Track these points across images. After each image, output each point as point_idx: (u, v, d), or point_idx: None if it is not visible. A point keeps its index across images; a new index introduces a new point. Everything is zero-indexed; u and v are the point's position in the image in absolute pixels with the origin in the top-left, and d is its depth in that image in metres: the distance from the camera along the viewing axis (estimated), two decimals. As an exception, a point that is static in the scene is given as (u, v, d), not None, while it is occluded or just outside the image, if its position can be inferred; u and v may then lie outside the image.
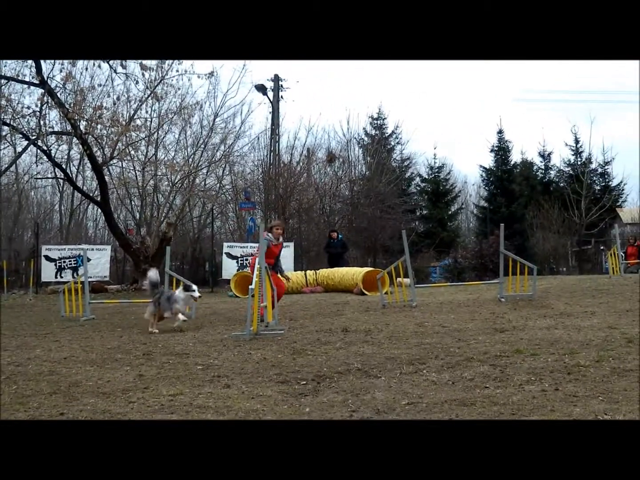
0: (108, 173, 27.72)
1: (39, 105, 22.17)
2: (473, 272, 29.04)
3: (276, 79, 34.81)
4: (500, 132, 42.86)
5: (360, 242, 33.09)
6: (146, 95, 24.44)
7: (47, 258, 25.21)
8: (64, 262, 25.26)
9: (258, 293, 9.86)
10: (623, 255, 22.77)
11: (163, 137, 31.03)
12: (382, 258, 32.30)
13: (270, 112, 34.98)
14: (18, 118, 22.12)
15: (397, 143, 42.64)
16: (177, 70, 23.47)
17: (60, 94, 22.15)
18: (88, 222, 42.31)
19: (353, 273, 18.69)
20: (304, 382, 6.30)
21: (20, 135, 23.29)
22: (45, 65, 21.66)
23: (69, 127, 22.62)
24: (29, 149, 25.68)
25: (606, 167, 41.44)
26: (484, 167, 43.08)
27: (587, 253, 35.43)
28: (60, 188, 38.18)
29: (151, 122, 28.27)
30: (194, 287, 11.48)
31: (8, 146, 29.62)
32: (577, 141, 41.69)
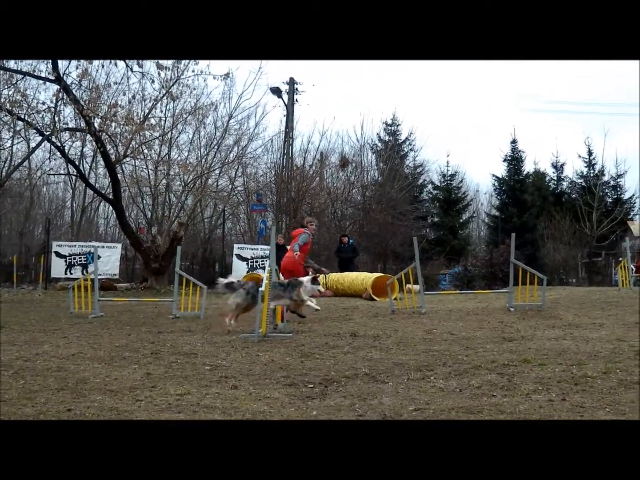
0: (121, 171, 27.78)
1: (54, 101, 22.32)
2: (483, 280, 28.99)
3: (291, 82, 34.85)
4: (513, 141, 42.96)
5: (371, 247, 33.09)
6: (161, 95, 24.56)
7: (58, 254, 25.30)
8: (74, 258, 25.34)
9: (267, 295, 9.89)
10: (633, 268, 22.69)
11: (177, 137, 31.19)
12: (392, 264, 32.28)
13: (284, 115, 35.10)
14: (33, 113, 22.25)
15: (411, 149, 42.76)
16: (193, 71, 23.59)
17: (76, 91, 22.29)
18: (99, 219, 42.54)
19: (363, 278, 18.66)
20: (312, 386, 6.30)
21: (35, 131, 23.41)
22: (62, 61, 21.76)
23: (83, 124, 22.71)
24: (42, 144, 25.84)
25: (618, 179, 41.38)
26: (497, 176, 43.14)
27: (597, 265, 35.35)
28: (73, 184, 38.32)
29: (165, 121, 28.46)
30: (318, 281, 11.48)
31: (22, 141, 29.80)
32: (590, 153, 41.71)
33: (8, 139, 28.30)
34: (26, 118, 22.00)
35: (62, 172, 32.62)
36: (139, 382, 6.56)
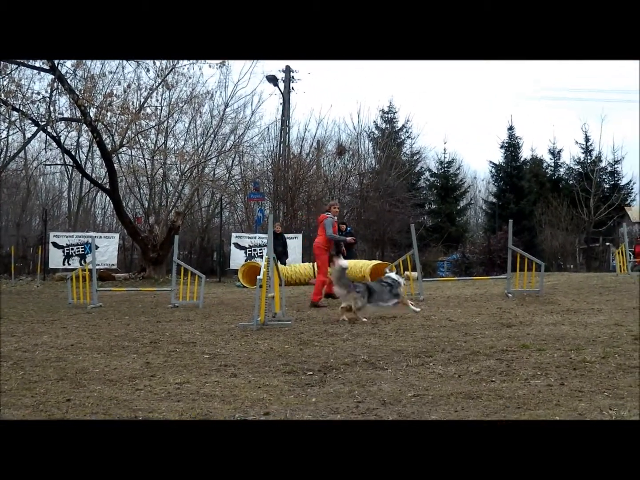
0: (117, 161, 27.77)
1: (49, 91, 22.25)
2: (480, 267, 29.08)
3: (287, 70, 34.79)
4: (510, 128, 42.98)
5: (369, 235, 33.14)
6: (157, 84, 24.51)
7: (55, 245, 25.31)
8: (72, 249, 25.35)
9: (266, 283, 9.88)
10: (631, 253, 22.74)
11: (173, 126, 31.20)
12: (390, 251, 32.35)
13: (280, 103, 35.02)
14: (28, 104, 22.19)
15: (407, 137, 42.74)
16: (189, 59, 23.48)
17: (71, 80, 22.22)
18: (96, 209, 42.40)
19: (361, 266, 18.68)
20: (311, 373, 6.31)
21: (30, 121, 23.36)
22: (56, 52, 21.63)
23: (78, 114, 22.66)
24: (38, 135, 25.77)
25: (616, 165, 41.52)
26: (494, 163, 43.13)
27: (594, 251, 35.43)
28: (69, 175, 38.24)
29: (161, 110, 28.36)
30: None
31: (17, 132, 29.73)
32: (587, 139, 41.78)
33: (3, 130, 28.30)
34: (21, 108, 21.92)
35: (58, 162, 32.62)
36: (138, 371, 6.56)
